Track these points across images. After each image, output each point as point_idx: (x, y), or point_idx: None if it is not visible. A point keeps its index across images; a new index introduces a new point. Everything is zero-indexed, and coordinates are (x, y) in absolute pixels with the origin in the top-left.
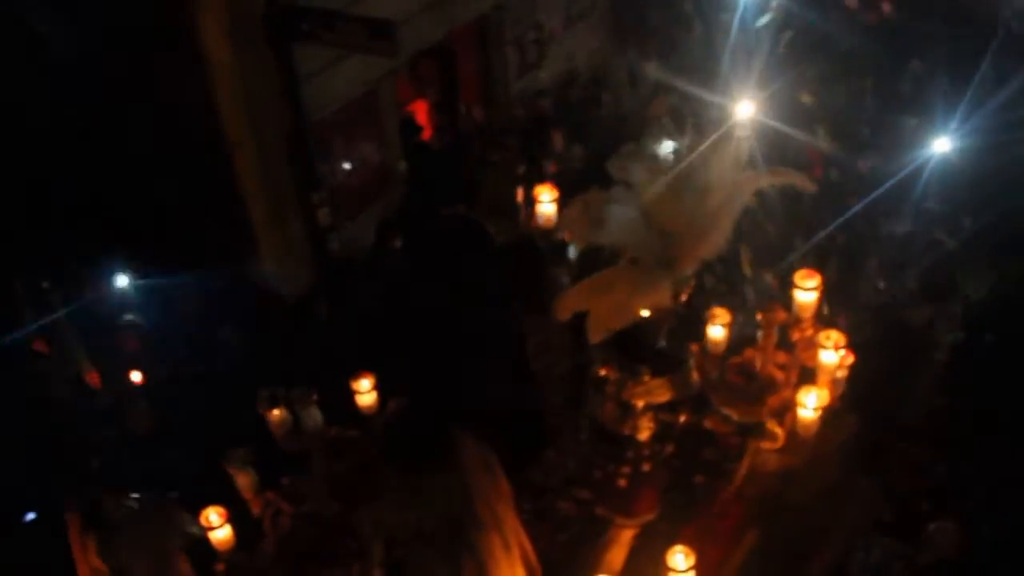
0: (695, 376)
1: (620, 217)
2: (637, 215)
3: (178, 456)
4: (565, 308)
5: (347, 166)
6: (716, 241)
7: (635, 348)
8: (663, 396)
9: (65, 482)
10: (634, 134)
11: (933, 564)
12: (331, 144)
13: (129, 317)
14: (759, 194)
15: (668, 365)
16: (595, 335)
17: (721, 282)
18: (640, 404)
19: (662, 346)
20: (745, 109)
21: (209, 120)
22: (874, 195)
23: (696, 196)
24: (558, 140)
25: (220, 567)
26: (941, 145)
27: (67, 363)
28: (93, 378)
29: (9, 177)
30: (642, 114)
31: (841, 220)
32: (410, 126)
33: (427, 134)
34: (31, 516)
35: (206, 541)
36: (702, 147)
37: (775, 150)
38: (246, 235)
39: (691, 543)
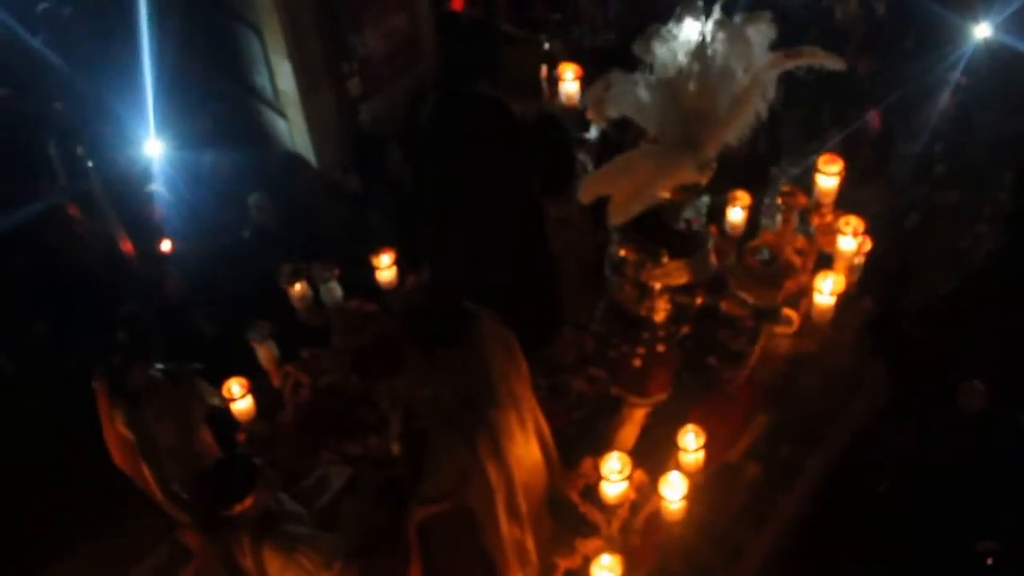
0: (713, 259)
1: (644, 97)
2: (662, 95)
3: (202, 327)
4: (589, 191)
5: (377, 37)
6: (742, 122)
7: (654, 230)
8: (681, 278)
9: (94, 349)
10: (660, 15)
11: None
12: (361, 13)
13: (154, 186)
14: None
15: (687, 247)
16: (616, 217)
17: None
18: (657, 286)
19: (681, 228)
20: None
21: None
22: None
23: (722, 77)
24: (587, 17)
25: (241, 436)
26: (981, 31)
27: (102, 230)
28: (127, 246)
29: None
30: None
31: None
32: None
33: (458, 4)
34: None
35: (228, 411)
36: (729, 29)
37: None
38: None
39: (702, 423)
